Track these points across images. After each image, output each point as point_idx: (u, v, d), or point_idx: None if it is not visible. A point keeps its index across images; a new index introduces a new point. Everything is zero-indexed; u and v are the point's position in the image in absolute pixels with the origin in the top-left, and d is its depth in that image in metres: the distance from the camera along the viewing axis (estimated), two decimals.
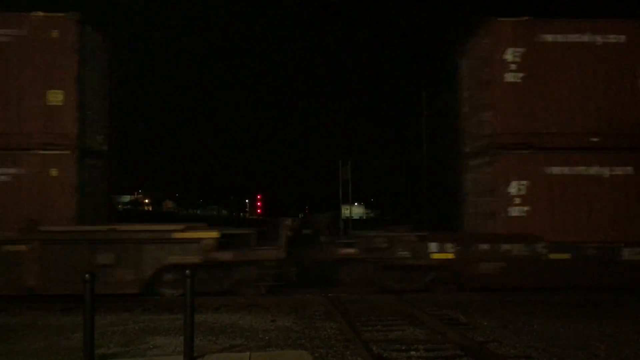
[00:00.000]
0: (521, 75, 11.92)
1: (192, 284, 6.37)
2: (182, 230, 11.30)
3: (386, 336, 8.08)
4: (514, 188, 11.76)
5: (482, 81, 12.58)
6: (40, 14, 11.46)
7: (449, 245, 11.70)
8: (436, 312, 9.76)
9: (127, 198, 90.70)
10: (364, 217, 71.54)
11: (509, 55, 11.93)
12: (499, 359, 6.48)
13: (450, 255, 11.67)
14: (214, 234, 11.26)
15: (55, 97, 11.38)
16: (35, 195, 11.25)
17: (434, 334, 8.17)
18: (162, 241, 11.12)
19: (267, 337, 7.93)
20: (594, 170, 11.80)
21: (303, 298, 11.04)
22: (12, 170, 11.23)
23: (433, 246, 11.71)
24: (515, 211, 11.75)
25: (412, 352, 7.11)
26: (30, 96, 11.39)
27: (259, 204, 50.39)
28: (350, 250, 11.89)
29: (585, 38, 11.96)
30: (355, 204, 68.87)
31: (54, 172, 11.27)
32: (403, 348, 7.30)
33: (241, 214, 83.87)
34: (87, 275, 6.20)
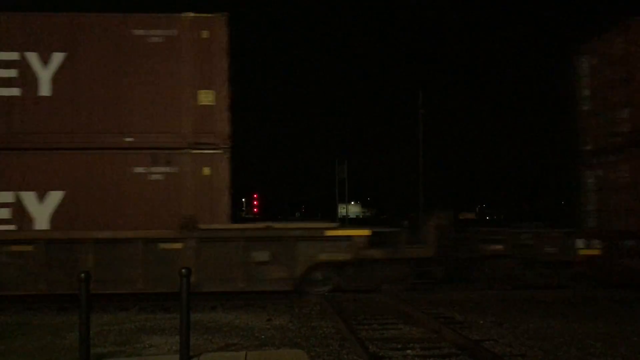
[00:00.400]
0: None
1: (187, 282, 6.36)
2: (335, 228, 11.47)
3: (382, 335, 8.09)
4: None
5: (613, 80, 12.63)
6: (191, 14, 11.50)
7: (595, 242, 11.92)
8: (432, 311, 9.78)
9: None
10: (360, 216, 71.49)
11: None
12: (495, 358, 6.49)
13: (596, 252, 11.88)
14: (365, 232, 11.39)
15: (207, 97, 11.45)
16: (188, 193, 11.28)
17: (429, 332, 8.19)
18: (315, 239, 11.24)
19: (263, 336, 7.93)
20: None
21: (299, 297, 11.04)
22: (165, 169, 11.28)
23: (580, 242, 11.94)
24: None
25: (408, 351, 7.11)
26: (182, 96, 11.45)
27: (255, 202, 50.31)
28: (499, 247, 12.05)
29: None
30: (352, 202, 68.85)
31: (206, 170, 11.32)
32: (399, 347, 7.31)
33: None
34: (82, 275, 6.17)
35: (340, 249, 11.21)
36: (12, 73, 11.27)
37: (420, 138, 30.36)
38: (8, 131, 11.21)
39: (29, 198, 11.06)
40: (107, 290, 10.66)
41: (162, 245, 10.87)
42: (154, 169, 11.26)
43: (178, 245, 10.88)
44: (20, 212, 11.03)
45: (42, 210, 11.05)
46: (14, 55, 11.29)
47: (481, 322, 8.93)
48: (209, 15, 11.58)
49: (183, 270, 6.39)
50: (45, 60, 11.33)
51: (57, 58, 11.35)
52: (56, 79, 11.32)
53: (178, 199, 11.23)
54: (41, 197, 11.09)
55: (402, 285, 11.55)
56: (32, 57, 11.32)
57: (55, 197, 11.11)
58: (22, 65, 11.30)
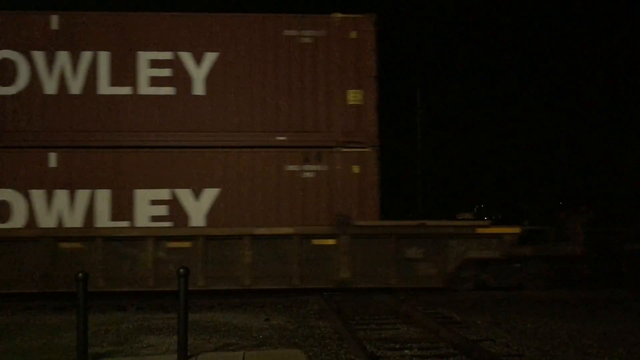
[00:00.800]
0: None
1: (185, 282, 6.36)
2: (487, 226, 11.58)
3: (380, 335, 8.09)
4: None
5: None
6: (339, 15, 11.73)
7: None
8: (430, 311, 9.79)
9: None
10: None
11: None
12: (492, 358, 6.49)
13: None
14: (516, 230, 11.49)
15: (356, 96, 11.68)
16: (338, 191, 11.49)
17: (427, 332, 8.19)
18: (466, 236, 11.38)
19: (261, 336, 7.93)
20: None
21: (297, 297, 11.04)
22: (316, 167, 11.50)
23: None
24: None
25: (406, 351, 7.12)
26: (331, 95, 11.68)
27: None
28: None
29: None
30: None
31: (355, 169, 11.53)
32: (397, 347, 7.31)
33: None
34: (80, 274, 6.17)
35: (490, 247, 11.35)
36: (166, 72, 11.50)
37: (418, 137, 30.38)
38: (164, 129, 11.44)
39: (185, 195, 11.28)
40: (263, 285, 11.02)
41: (316, 241, 11.13)
42: (305, 167, 11.50)
43: (331, 242, 11.13)
44: (176, 209, 11.26)
45: (197, 207, 11.28)
46: (168, 55, 11.53)
47: (479, 322, 8.94)
48: (358, 15, 11.85)
49: (181, 270, 6.40)
50: (198, 60, 11.57)
51: (210, 58, 11.58)
52: (209, 79, 11.55)
53: (329, 196, 11.48)
54: (197, 194, 11.31)
55: (547, 283, 11.64)
56: (186, 57, 11.56)
57: (210, 194, 11.32)
58: (176, 65, 11.53)
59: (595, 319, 9.18)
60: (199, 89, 11.52)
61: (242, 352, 6.85)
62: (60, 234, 10.86)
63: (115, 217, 11.14)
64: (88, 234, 10.87)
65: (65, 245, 10.82)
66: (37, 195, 11.02)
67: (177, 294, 6.37)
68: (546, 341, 7.58)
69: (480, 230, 11.39)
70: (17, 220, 10.96)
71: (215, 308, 10.39)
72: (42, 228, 10.91)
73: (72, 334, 7.20)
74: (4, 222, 10.94)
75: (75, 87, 11.35)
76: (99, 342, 7.48)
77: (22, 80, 11.29)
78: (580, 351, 7.06)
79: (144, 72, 11.46)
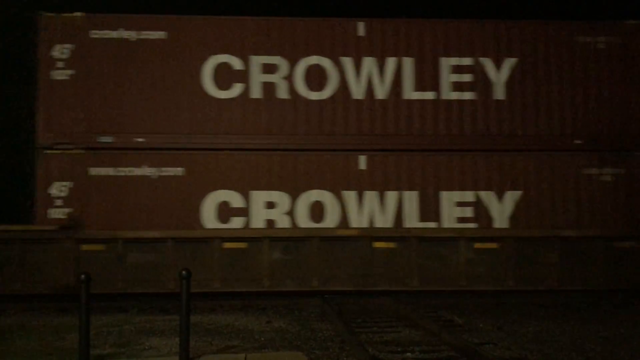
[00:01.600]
0: None
1: (187, 284, 6.37)
2: None
3: (382, 337, 8.09)
4: None
5: None
6: (632, 22, 12.12)
7: None
8: (432, 314, 9.78)
9: None
10: None
11: None
12: None
13: None
14: None
15: None
16: (636, 194, 11.78)
17: (429, 335, 8.18)
18: None
19: (262, 339, 7.94)
20: None
21: (299, 299, 11.04)
22: (613, 171, 11.80)
23: None
24: None
25: (408, 354, 7.11)
26: (626, 100, 11.97)
27: None
28: None
29: None
30: None
31: None
32: (399, 350, 7.31)
33: None
34: (82, 276, 6.18)
35: None
36: (467, 78, 11.86)
37: None
38: (468, 133, 11.76)
39: (488, 198, 11.61)
40: (570, 286, 11.29)
41: (618, 244, 11.41)
42: (603, 170, 11.79)
43: (633, 244, 11.44)
44: (480, 211, 11.59)
45: (501, 210, 11.59)
46: (468, 61, 11.90)
47: (481, 325, 8.94)
48: None
49: (184, 272, 6.40)
50: (498, 66, 11.92)
51: (509, 63, 11.93)
52: (509, 83, 11.90)
53: (627, 199, 11.74)
54: (499, 197, 11.63)
55: None
56: (486, 62, 11.91)
57: (512, 197, 11.64)
58: (477, 70, 11.89)
59: (598, 322, 9.16)
60: (499, 93, 11.84)
61: (244, 354, 6.86)
62: (377, 233, 11.21)
63: (423, 217, 11.48)
64: (404, 234, 11.19)
65: (379, 244, 11.13)
66: (349, 196, 11.38)
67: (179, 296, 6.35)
68: (548, 345, 7.57)
69: None
70: (330, 220, 11.35)
71: (217, 310, 10.40)
72: (360, 228, 11.26)
73: (75, 336, 7.21)
74: (318, 222, 11.31)
75: (381, 92, 11.69)
76: (101, 344, 7.49)
77: (332, 85, 11.62)
78: (582, 355, 7.04)
79: (446, 78, 11.81)
